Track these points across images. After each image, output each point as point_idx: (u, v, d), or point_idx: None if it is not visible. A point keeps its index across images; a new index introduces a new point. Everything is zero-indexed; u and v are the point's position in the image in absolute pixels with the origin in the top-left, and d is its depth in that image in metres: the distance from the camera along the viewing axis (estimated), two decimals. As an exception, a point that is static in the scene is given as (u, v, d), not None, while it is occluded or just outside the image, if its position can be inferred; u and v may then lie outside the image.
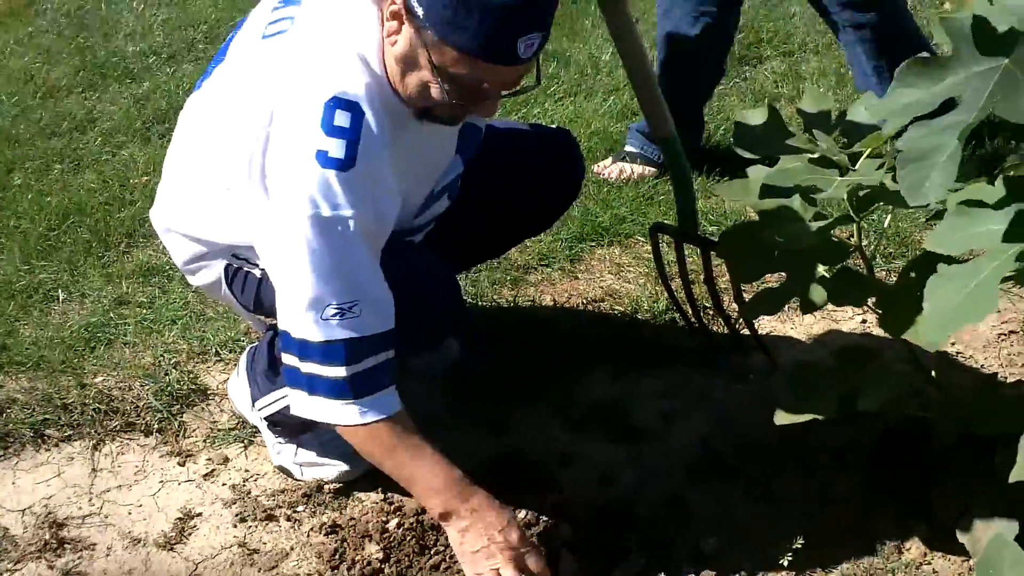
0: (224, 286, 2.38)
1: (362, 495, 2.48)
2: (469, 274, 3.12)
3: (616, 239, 3.37)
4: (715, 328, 2.95)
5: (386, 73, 2.10)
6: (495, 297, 3.08)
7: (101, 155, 3.80)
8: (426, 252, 2.39)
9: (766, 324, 3.05)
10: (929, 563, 2.31)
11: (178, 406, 2.71)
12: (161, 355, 2.85)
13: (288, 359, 2.12)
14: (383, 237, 2.13)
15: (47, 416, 2.65)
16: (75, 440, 2.62)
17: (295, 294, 2.05)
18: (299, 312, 2.05)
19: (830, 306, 3.00)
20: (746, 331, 2.85)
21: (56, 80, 4.31)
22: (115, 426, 2.65)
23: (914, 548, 2.36)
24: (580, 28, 4.85)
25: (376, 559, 2.31)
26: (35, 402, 2.68)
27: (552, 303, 3.09)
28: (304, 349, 2.07)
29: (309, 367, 2.08)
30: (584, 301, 3.09)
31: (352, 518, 2.42)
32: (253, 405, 2.50)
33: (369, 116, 2.05)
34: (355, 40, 2.08)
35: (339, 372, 2.06)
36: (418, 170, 2.29)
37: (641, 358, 2.89)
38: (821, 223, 2.37)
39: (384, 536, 2.35)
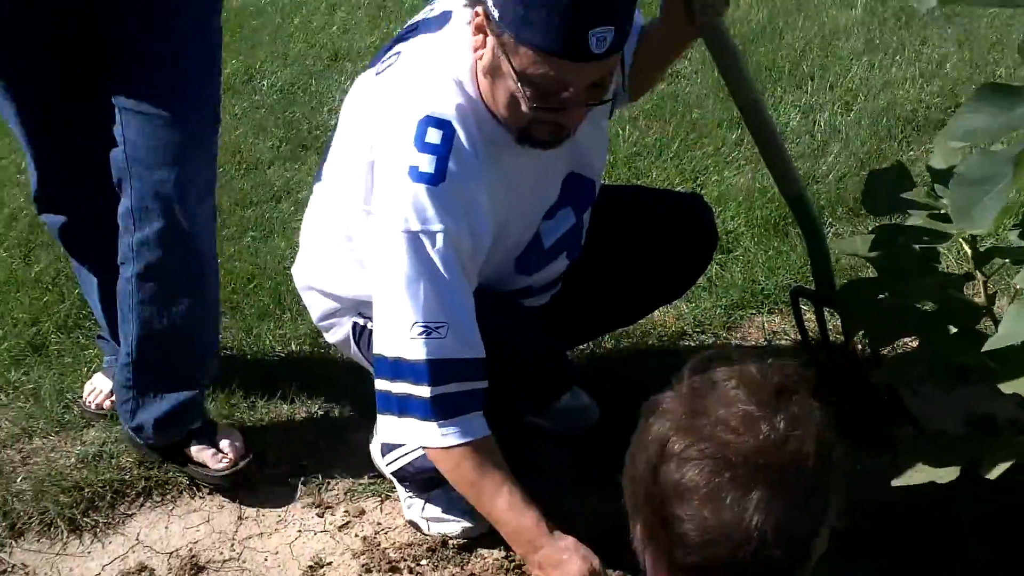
0: (352, 344, 2.49)
1: (484, 551, 2.53)
2: (612, 339, 3.15)
3: (777, 307, 3.33)
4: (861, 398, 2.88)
5: (481, 96, 2.17)
6: (643, 360, 3.10)
7: (291, 223, 4.00)
8: (532, 315, 2.44)
9: (923, 394, 2.96)
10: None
11: (325, 460, 2.84)
12: (316, 412, 2.98)
13: (380, 384, 2.19)
14: (476, 260, 2.18)
15: (204, 466, 2.82)
16: (226, 490, 2.78)
17: (387, 311, 2.14)
18: (390, 329, 2.13)
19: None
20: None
21: (260, 153, 4.57)
22: (264, 477, 2.80)
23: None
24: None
25: (492, 614, 2.37)
26: (194, 453, 2.85)
27: (699, 369, 3.07)
28: (395, 369, 2.14)
29: (400, 387, 2.14)
30: (732, 368, 3.07)
31: (472, 574, 2.47)
32: (383, 459, 2.60)
33: (461, 134, 2.13)
34: (451, 64, 2.17)
35: (424, 392, 2.12)
36: (519, 201, 2.31)
37: (784, 426, 2.85)
38: (943, 281, 2.32)
39: (501, 592, 2.41)
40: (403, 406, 2.17)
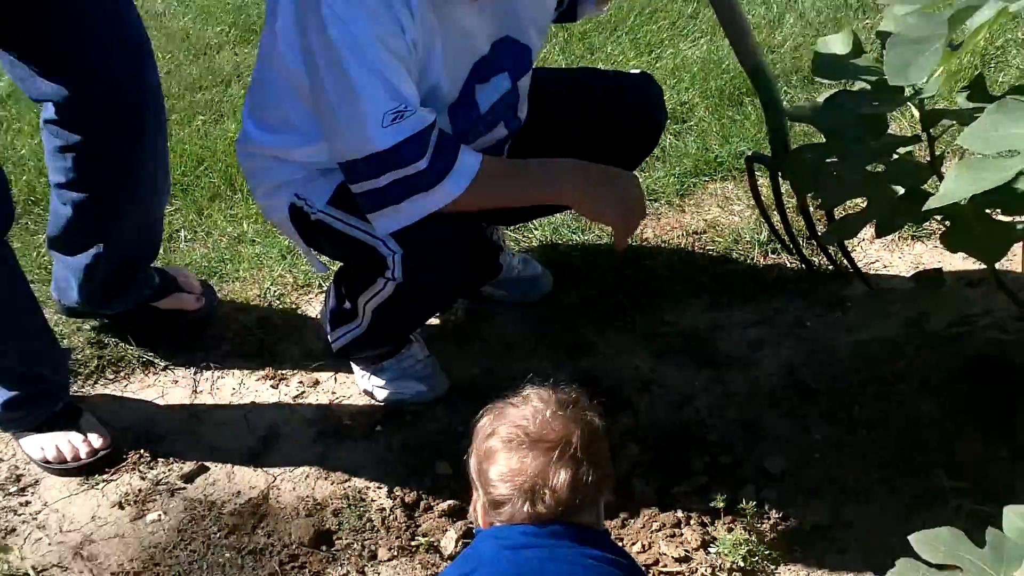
0: (289, 224, 2.43)
1: (438, 415, 2.55)
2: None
3: (731, 174, 3.32)
4: (815, 258, 2.89)
5: None
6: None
7: (241, 106, 3.95)
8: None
9: (874, 254, 2.97)
10: (1010, 486, 2.23)
11: (279, 334, 2.83)
12: (268, 288, 2.97)
13: (364, 186, 2.17)
14: (412, 63, 2.15)
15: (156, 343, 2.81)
16: (180, 366, 2.77)
17: (350, 115, 2.11)
18: (360, 131, 2.11)
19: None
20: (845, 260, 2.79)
21: (209, 38, 4.49)
22: (219, 353, 2.79)
23: (995, 471, 2.28)
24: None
25: (444, 475, 2.39)
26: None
27: (653, 236, 3.07)
28: (378, 163, 2.12)
29: (390, 176, 2.13)
30: (686, 233, 3.07)
31: (425, 437, 2.49)
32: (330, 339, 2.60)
33: None
34: None
35: (422, 164, 2.13)
36: (446, 40, 2.23)
37: (736, 288, 2.87)
38: (890, 143, 2.32)
39: (453, 453, 2.41)
40: (401, 190, 2.16)
